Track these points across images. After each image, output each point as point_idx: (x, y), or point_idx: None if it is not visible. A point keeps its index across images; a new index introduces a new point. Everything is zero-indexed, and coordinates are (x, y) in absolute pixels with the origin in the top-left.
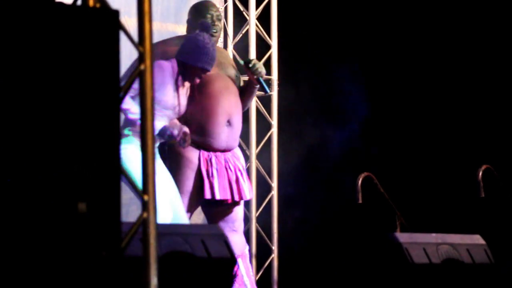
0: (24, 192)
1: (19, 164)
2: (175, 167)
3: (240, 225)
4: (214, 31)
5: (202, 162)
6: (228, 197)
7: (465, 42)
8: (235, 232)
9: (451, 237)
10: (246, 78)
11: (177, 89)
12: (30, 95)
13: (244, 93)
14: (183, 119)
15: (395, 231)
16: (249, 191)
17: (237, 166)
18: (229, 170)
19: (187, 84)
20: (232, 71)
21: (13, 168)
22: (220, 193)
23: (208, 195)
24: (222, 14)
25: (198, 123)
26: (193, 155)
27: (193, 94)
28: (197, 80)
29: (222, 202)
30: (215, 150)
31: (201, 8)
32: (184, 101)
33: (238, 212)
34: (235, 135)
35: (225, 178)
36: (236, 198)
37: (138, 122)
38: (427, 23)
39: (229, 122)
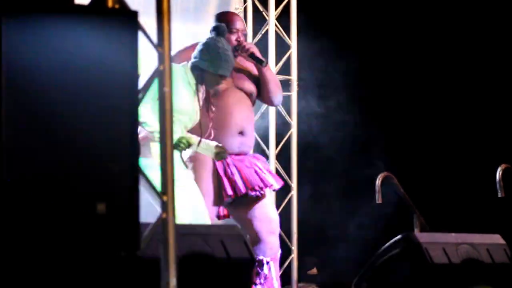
0: (44, 192)
1: (40, 164)
2: (196, 171)
3: (277, 227)
4: (239, 49)
5: (218, 163)
6: (254, 185)
7: (485, 43)
8: (273, 234)
9: (471, 236)
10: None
11: (192, 94)
12: (49, 95)
13: (260, 79)
14: (198, 129)
15: (415, 231)
16: (276, 180)
17: (254, 163)
18: (246, 164)
19: (202, 89)
20: (248, 86)
21: (34, 169)
22: (243, 187)
23: (230, 191)
24: (242, 15)
25: (211, 135)
26: (207, 157)
27: (208, 104)
28: (216, 87)
29: (249, 199)
30: (229, 154)
31: (228, 20)
32: (198, 107)
33: (272, 212)
34: (248, 143)
35: (245, 171)
36: (260, 186)
37: (155, 135)
38: (450, 24)
39: (241, 133)
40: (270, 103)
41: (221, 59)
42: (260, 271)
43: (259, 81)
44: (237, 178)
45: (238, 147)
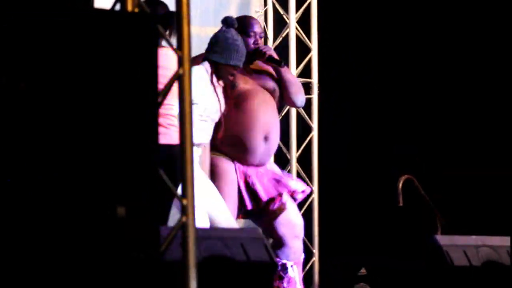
0: (64, 196)
1: (61, 167)
2: (211, 177)
3: (301, 231)
4: (256, 54)
5: (239, 174)
6: (275, 194)
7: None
8: (297, 238)
9: (492, 239)
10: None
11: (214, 90)
12: (70, 99)
13: (280, 81)
14: (220, 128)
15: (436, 234)
16: (299, 183)
17: (271, 172)
18: (267, 176)
19: (221, 83)
20: (270, 83)
21: (55, 172)
22: (266, 194)
23: (249, 206)
24: (262, 18)
25: (235, 137)
26: (228, 166)
27: (231, 104)
28: (230, 78)
29: (269, 208)
30: (248, 164)
31: (245, 24)
32: (222, 100)
33: (296, 216)
34: (270, 152)
35: (265, 181)
36: (281, 194)
37: None
38: (470, 29)
39: (266, 138)
40: (292, 104)
41: (231, 49)
42: (283, 275)
43: (280, 82)
44: (260, 188)
45: (260, 157)
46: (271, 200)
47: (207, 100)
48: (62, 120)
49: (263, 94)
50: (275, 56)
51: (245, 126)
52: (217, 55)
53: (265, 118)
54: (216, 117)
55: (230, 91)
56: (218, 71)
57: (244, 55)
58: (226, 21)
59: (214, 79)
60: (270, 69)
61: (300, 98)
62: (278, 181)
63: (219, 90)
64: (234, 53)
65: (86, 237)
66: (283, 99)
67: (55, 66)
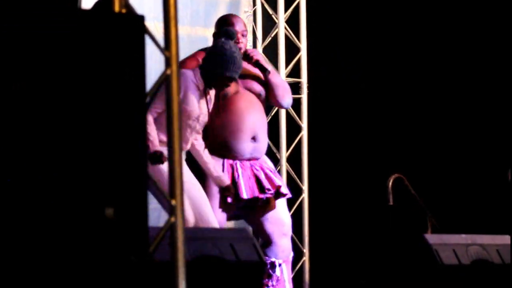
0: (53, 197)
1: (49, 169)
2: (200, 175)
3: (289, 230)
4: (239, 48)
5: (226, 168)
6: (256, 194)
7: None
8: (285, 236)
9: (481, 237)
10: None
11: (201, 98)
12: (56, 100)
13: (267, 85)
14: (208, 133)
15: (426, 232)
16: (285, 187)
17: (264, 166)
18: (255, 170)
19: (212, 92)
20: (257, 86)
21: (43, 173)
22: (247, 192)
23: (229, 199)
24: (251, 18)
25: (223, 139)
26: (216, 161)
27: (217, 107)
28: (224, 89)
29: (258, 204)
30: (240, 160)
31: (228, 22)
32: (206, 109)
33: (284, 214)
34: (260, 149)
35: (251, 178)
36: (269, 189)
37: (153, 148)
38: (459, 30)
39: (254, 138)
40: (279, 106)
41: (228, 61)
42: (272, 273)
43: (266, 85)
44: (242, 183)
45: (250, 153)
46: (256, 198)
47: (190, 105)
48: (50, 121)
49: (249, 96)
50: (262, 61)
51: (232, 127)
52: (214, 65)
53: (251, 119)
54: (196, 124)
55: (221, 100)
56: (211, 80)
57: (240, 68)
58: (226, 33)
59: (205, 87)
60: (257, 71)
61: (286, 100)
62: (267, 176)
63: (207, 99)
64: (230, 65)
65: (75, 238)
66: (270, 101)
67: (42, 67)
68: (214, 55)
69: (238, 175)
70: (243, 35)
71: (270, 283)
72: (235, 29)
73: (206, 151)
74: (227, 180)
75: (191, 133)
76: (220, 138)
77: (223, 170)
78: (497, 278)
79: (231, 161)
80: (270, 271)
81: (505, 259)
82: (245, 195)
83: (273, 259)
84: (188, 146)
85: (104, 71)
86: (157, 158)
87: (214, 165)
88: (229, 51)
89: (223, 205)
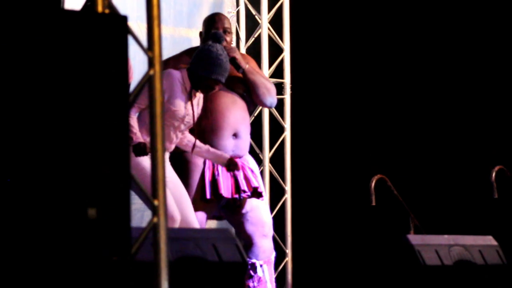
0: (35, 197)
1: (30, 169)
2: (183, 173)
3: (270, 230)
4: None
5: (207, 165)
6: (230, 195)
7: (481, 46)
8: (265, 237)
9: (464, 238)
10: None
11: (188, 100)
12: (38, 100)
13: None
14: (193, 133)
15: (409, 233)
16: (262, 188)
17: (246, 166)
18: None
19: (199, 95)
20: (240, 87)
21: (24, 173)
22: (225, 192)
23: (208, 195)
24: (234, 19)
25: (205, 137)
26: (198, 159)
27: (204, 107)
28: (210, 91)
29: (242, 202)
30: None
31: (213, 20)
32: (195, 112)
33: (265, 215)
34: (242, 146)
35: (229, 178)
36: (245, 191)
37: (136, 140)
38: (448, 28)
39: (235, 135)
40: (262, 105)
41: (215, 64)
42: (253, 274)
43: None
44: (221, 181)
45: (233, 150)
46: (234, 199)
47: (171, 104)
48: (32, 122)
49: (231, 94)
50: (239, 59)
51: (213, 125)
52: (200, 67)
53: (233, 117)
54: (181, 124)
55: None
56: (198, 82)
57: (227, 71)
58: (214, 36)
59: (191, 89)
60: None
61: (268, 99)
62: (245, 177)
63: (194, 101)
64: (217, 68)
65: (57, 239)
66: (253, 100)
67: (23, 68)
68: (201, 57)
69: (218, 173)
70: (229, 32)
71: (251, 284)
72: (216, 26)
73: (197, 141)
74: (227, 155)
75: (175, 132)
76: (203, 136)
77: (204, 166)
78: (480, 279)
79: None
80: (251, 272)
81: (488, 259)
82: (224, 193)
83: (254, 260)
84: (173, 147)
85: (87, 72)
86: (141, 149)
87: (208, 148)
88: (215, 54)
89: (204, 205)
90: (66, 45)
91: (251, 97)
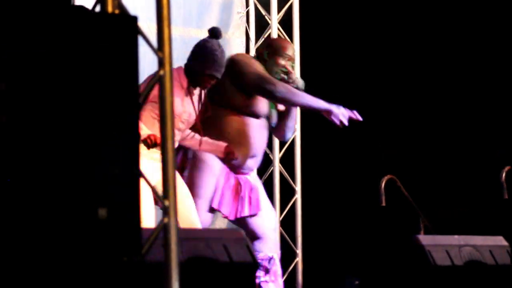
0: (45, 197)
1: (41, 169)
2: (197, 173)
3: (277, 221)
4: (291, 81)
5: (222, 172)
6: (230, 216)
7: (489, 45)
8: (276, 230)
9: (474, 238)
10: None
11: (185, 96)
12: (48, 100)
13: (284, 112)
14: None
15: (419, 234)
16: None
17: (253, 187)
18: (241, 191)
19: (196, 91)
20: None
21: (35, 174)
22: (225, 209)
23: (215, 205)
24: (244, 19)
25: (236, 139)
26: (216, 164)
27: (206, 106)
28: (207, 87)
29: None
30: (236, 172)
31: (279, 46)
32: (192, 109)
33: (271, 209)
34: (258, 162)
35: (233, 200)
36: (240, 214)
37: (146, 133)
38: (452, 29)
39: (254, 156)
40: (282, 138)
41: (209, 60)
42: (269, 267)
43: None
44: (246, 202)
45: (248, 167)
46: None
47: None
48: (43, 121)
49: (260, 117)
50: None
51: (236, 143)
52: (196, 63)
53: (259, 143)
54: (178, 122)
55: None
56: (194, 79)
57: (223, 67)
58: (212, 31)
59: (188, 85)
60: None
61: (289, 135)
62: (250, 202)
63: (193, 98)
64: (211, 64)
65: (68, 239)
66: (275, 129)
67: (35, 67)
68: (196, 53)
69: (244, 194)
70: (293, 61)
71: (269, 278)
72: (287, 53)
73: (192, 132)
74: (222, 144)
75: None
76: (233, 136)
77: (220, 173)
78: (490, 279)
79: (227, 169)
80: (267, 265)
81: (498, 260)
82: (224, 211)
83: (270, 254)
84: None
85: (97, 71)
86: (152, 142)
87: (206, 139)
88: (210, 49)
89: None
90: (77, 45)
91: (277, 126)
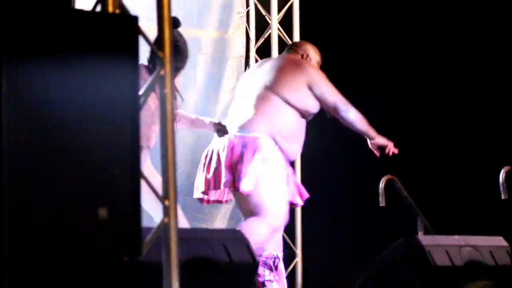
0: (46, 198)
1: (41, 170)
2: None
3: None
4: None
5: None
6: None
7: (491, 44)
8: (281, 230)
9: (474, 239)
10: None
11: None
12: (49, 100)
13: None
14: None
15: (419, 234)
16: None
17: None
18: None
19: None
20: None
21: (35, 174)
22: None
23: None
24: (244, 19)
25: (276, 140)
26: (279, 160)
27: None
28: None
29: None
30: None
31: (319, 61)
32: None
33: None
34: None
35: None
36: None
37: None
38: (457, 31)
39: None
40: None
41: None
42: (274, 267)
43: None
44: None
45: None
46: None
47: None
48: (43, 121)
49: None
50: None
51: (293, 136)
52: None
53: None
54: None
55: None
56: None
57: (186, 57)
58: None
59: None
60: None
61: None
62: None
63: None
64: (175, 55)
65: (68, 239)
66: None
67: (35, 67)
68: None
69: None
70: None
71: (273, 277)
72: (320, 61)
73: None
74: (210, 120)
75: (150, 127)
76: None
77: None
78: (490, 280)
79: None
80: (273, 264)
81: (498, 260)
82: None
83: (274, 253)
84: (153, 142)
85: (98, 71)
86: None
87: (197, 116)
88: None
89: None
90: (77, 45)
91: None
